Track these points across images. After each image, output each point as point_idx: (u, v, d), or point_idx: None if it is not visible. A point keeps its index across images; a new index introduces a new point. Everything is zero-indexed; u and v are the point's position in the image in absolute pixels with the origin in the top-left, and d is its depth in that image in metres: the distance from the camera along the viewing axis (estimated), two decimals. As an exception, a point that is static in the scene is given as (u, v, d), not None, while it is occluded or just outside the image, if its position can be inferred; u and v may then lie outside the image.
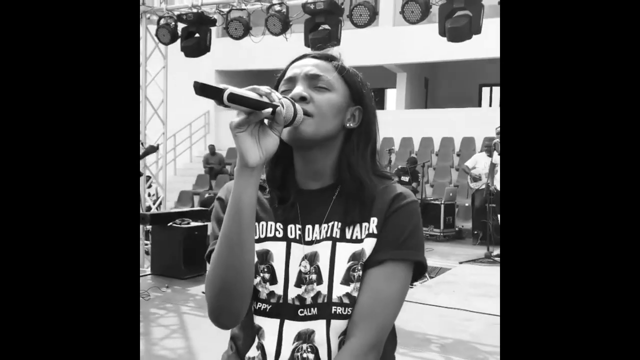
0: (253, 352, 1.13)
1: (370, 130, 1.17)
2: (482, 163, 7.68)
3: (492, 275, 6.05)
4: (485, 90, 14.90)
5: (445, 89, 14.74)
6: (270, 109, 0.96)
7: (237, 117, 0.97)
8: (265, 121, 1.00)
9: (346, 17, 5.33)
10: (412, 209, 1.12)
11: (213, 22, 6.10)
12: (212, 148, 12.65)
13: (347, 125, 1.14)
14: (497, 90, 14.89)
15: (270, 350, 1.10)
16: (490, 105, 14.72)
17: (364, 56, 10.04)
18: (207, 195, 10.58)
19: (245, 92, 0.95)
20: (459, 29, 4.76)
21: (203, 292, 4.94)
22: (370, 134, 1.17)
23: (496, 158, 6.85)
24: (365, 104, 1.16)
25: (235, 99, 0.92)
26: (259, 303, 1.11)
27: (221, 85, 0.92)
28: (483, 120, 11.44)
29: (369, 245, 1.09)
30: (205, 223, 5.90)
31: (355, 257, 1.09)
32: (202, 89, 0.90)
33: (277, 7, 5.66)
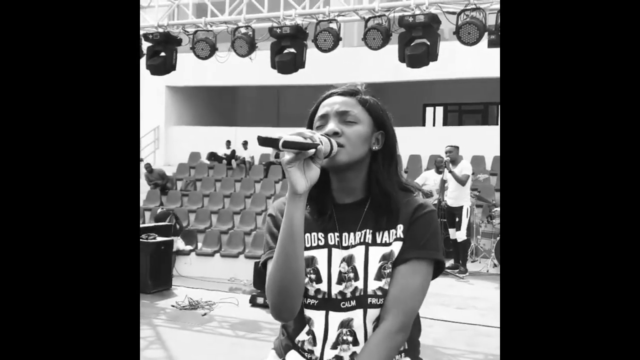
0: (303, 336, 1.39)
1: (392, 150, 1.42)
2: (431, 180, 8.11)
3: (445, 285, 6.44)
4: (429, 110, 15.56)
5: (391, 108, 15.23)
6: (313, 150, 1.22)
7: (287, 155, 1.22)
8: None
9: (311, 41, 5.61)
10: (431, 217, 1.40)
11: (179, 42, 6.25)
12: (148, 166, 12.46)
13: (373, 148, 1.39)
14: (439, 109, 15.57)
15: (319, 336, 1.36)
16: (433, 125, 15.38)
17: (316, 75, 10.36)
18: (159, 210, 10.54)
19: (295, 137, 1.20)
20: (417, 56, 5.14)
21: (173, 306, 5.06)
22: (392, 154, 1.42)
23: (446, 175, 7.28)
24: (386, 128, 1.41)
25: (287, 145, 1.18)
26: (308, 299, 1.36)
27: (277, 136, 1.18)
28: (427, 138, 11.99)
29: (396, 247, 1.36)
30: (171, 238, 5.99)
31: (385, 257, 1.35)
32: (264, 141, 1.17)
33: (243, 30, 5.87)
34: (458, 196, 7.25)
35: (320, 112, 1.39)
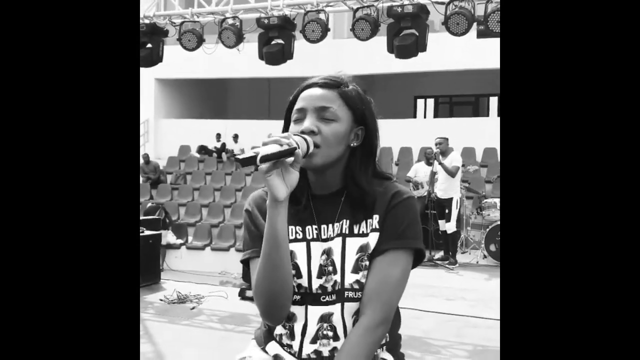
0: (280, 330, 1.38)
1: (371, 146, 1.37)
2: (422, 172, 8.10)
3: (434, 277, 6.44)
4: (420, 102, 15.54)
5: (382, 100, 15.17)
6: (292, 158, 1.19)
7: (264, 164, 1.17)
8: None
9: (299, 32, 5.56)
10: (408, 204, 1.35)
11: (165, 33, 6.17)
12: (146, 157, 12.43)
13: (352, 145, 1.35)
14: (430, 101, 15.56)
15: (298, 330, 1.34)
16: (424, 117, 15.36)
17: (305, 67, 10.32)
18: (149, 204, 10.47)
19: (271, 147, 1.17)
20: (406, 47, 5.10)
21: (161, 300, 5.02)
22: (372, 149, 1.38)
23: (436, 167, 7.28)
24: (366, 123, 1.36)
25: (266, 159, 1.16)
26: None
27: (253, 152, 1.15)
28: (418, 130, 11.98)
29: (373, 238, 1.32)
30: (160, 232, 5.93)
31: (362, 249, 1.32)
32: (244, 162, 1.14)
33: (230, 21, 5.81)
34: (448, 188, 7.24)
35: (298, 104, 1.34)
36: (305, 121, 1.30)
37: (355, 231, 1.33)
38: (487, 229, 7.56)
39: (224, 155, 12.86)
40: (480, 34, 5.08)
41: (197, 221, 10.62)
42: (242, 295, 5.36)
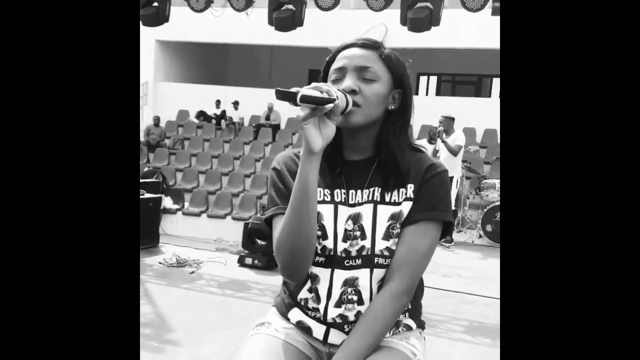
0: (305, 294, 1.37)
1: (407, 111, 1.37)
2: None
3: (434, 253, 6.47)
4: (423, 79, 15.42)
5: (384, 75, 15.03)
6: (331, 105, 1.16)
7: (302, 111, 1.15)
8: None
9: (310, -2, 5.46)
10: (443, 177, 1.36)
11: (173, -7, 6.04)
12: (156, 119, 12.34)
13: (389, 108, 1.34)
14: (433, 79, 15.44)
15: (323, 293, 1.33)
16: (426, 94, 15.27)
17: (310, 37, 10.11)
18: (146, 168, 10.42)
19: (311, 91, 1.14)
20: (419, 20, 5.03)
21: (160, 263, 5.01)
22: (407, 114, 1.37)
23: (439, 145, 7.24)
24: (404, 86, 1.36)
25: (305, 99, 1.13)
26: (315, 256, 1.31)
27: (294, 89, 1.12)
28: (421, 108, 11.84)
29: (406, 207, 1.32)
30: (159, 195, 5.90)
31: (393, 217, 1.32)
32: (282, 95, 1.11)
33: (241, -17, 5.69)
34: (449, 167, 7.16)
35: (337, 64, 1.32)
36: (345, 80, 1.29)
37: (387, 199, 1.33)
38: (485, 210, 7.59)
39: (223, 122, 12.75)
40: (496, 11, 5.01)
41: (194, 187, 10.57)
42: (241, 262, 5.37)
